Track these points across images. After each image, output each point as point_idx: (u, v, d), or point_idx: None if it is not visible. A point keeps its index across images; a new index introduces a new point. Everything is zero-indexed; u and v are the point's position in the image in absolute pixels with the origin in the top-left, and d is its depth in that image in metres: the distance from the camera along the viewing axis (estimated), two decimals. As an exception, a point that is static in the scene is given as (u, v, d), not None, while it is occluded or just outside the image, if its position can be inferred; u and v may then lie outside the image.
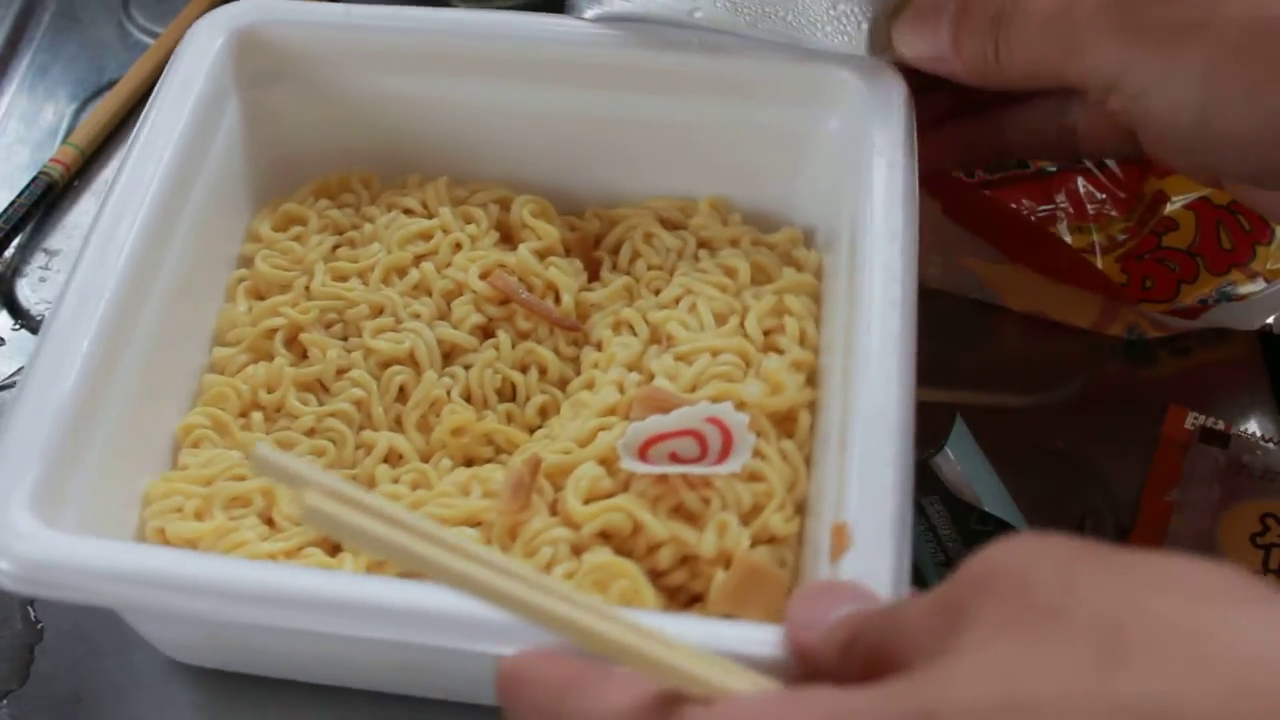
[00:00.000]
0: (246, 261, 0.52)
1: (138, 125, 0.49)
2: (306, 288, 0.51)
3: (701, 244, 0.52)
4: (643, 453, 0.44)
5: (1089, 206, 0.62)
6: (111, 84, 0.67)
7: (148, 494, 0.46)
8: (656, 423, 0.44)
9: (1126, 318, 0.57)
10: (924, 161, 0.47)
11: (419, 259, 0.52)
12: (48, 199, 0.62)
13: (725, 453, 0.44)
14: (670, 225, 0.53)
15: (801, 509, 0.44)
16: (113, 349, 0.44)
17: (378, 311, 0.50)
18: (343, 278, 0.51)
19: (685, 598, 0.43)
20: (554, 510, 0.44)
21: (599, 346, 0.50)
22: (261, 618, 0.38)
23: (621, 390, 0.47)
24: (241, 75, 0.52)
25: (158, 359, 0.47)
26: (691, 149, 0.53)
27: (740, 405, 0.45)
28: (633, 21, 0.51)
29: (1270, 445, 0.53)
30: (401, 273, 0.51)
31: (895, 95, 0.48)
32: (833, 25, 0.49)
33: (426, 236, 0.52)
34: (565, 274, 0.51)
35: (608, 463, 0.44)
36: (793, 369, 0.47)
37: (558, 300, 0.51)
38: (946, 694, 0.26)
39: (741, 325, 0.48)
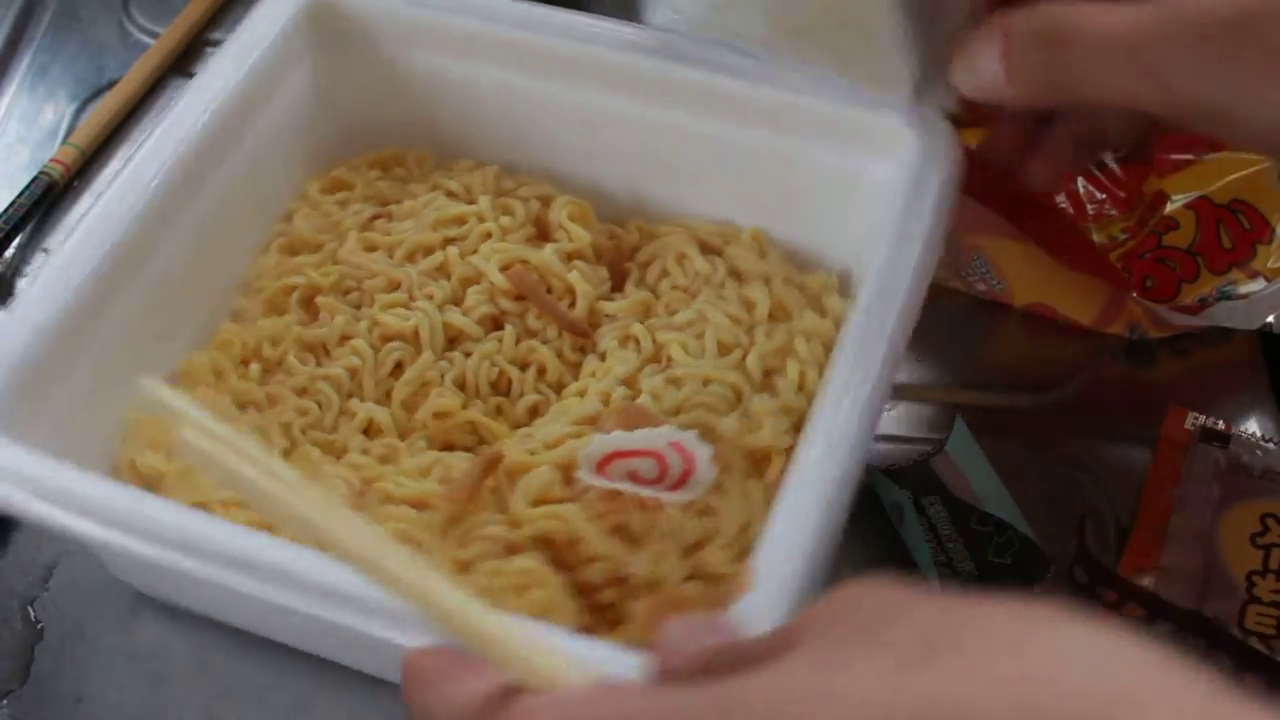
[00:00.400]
0: (289, 218, 0.54)
1: (200, 70, 0.50)
2: (336, 252, 0.52)
3: (732, 273, 0.52)
4: (602, 466, 0.43)
5: (1089, 206, 0.62)
6: (111, 84, 0.67)
7: (130, 425, 0.47)
8: (619, 438, 0.43)
9: (1129, 313, 0.57)
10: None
11: (448, 241, 0.52)
12: (48, 199, 0.62)
13: (684, 480, 0.43)
14: (708, 249, 0.53)
15: (750, 551, 0.43)
16: (120, 278, 0.45)
17: (394, 287, 0.51)
18: (371, 248, 0.52)
19: (613, 618, 0.43)
20: (504, 508, 0.44)
21: (603, 357, 0.50)
22: (172, 563, 0.38)
23: (607, 402, 0.47)
24: (313, 41, 0.53)
25: (175, 296, 0.48)
26: (743, 176, 0.53)
27: (715, 438, 0.45)
28: (699, 37, 0.51)
29: (1270, 445, 0.53)
30: (427, 252, 0.52)
31: (942, 152, 0.48)
32: (887, 72, 0.48)
33: (460, 221, 0.53)
34: (586, 280, 0.51)
35: (568, 470, 0.44)
36: (781, 412, 0.46)
37: (574, 304, 0.51)
38: (748, 690, 0.26)
39: (743, 359, 0.48)
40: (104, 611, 0.48)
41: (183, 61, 0.69)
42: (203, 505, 0.43)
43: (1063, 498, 0.53)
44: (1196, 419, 0.54)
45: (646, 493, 0.42)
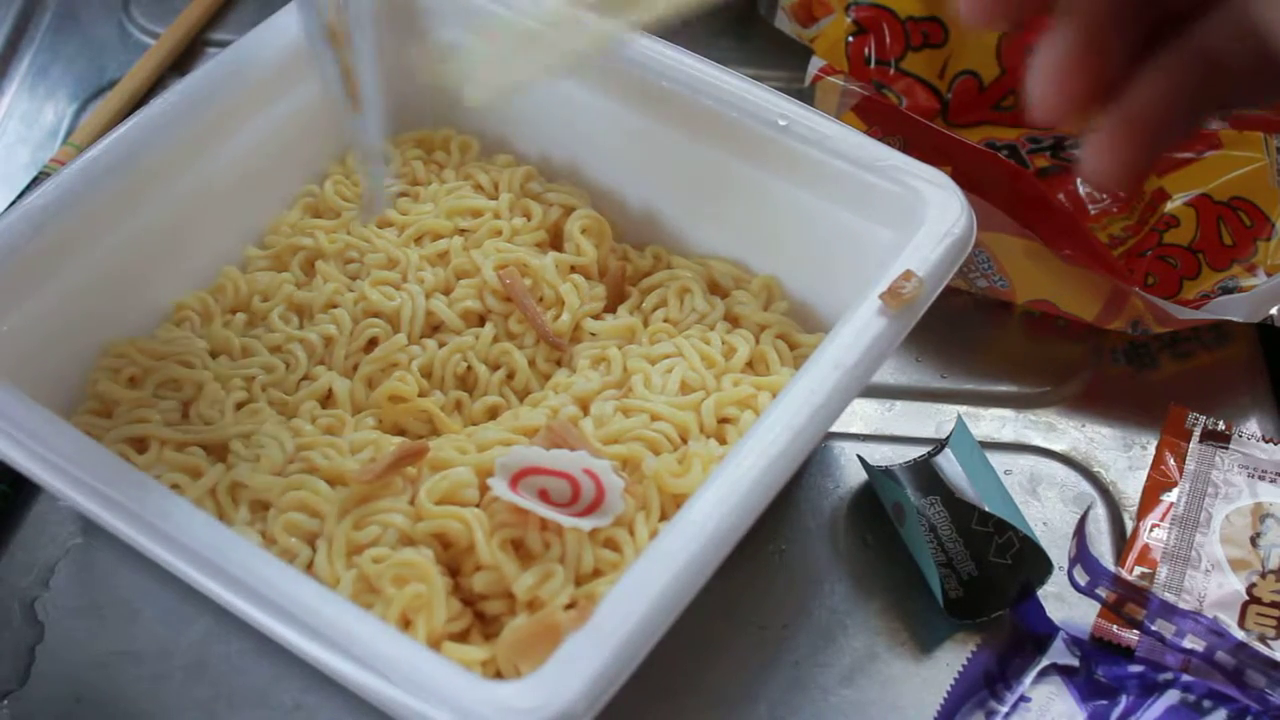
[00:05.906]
0: (324, 180, 0.55)
1: (265, 19, 0.52)
2: (350, 222, 0.53)
3: (730, 318, 0.51)
4: (516, 480, 0.43)
5: (1090, 206, 0.62)
6: (111, 84, 0.67)
7: (104, 349, 0.49)
8: (536, 454, 0.43)
9: (1132, 309, 0.56)
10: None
11: (459, 232, 0.53)
12: (47, 199, 0.62)
13: (595, 508, 0.43)
14: (717, 290, 0.53)
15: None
16: (116, 208, 0.47)
17: (391, 265, 0.52)
18: (385, 224, 0.53)
19: (496, 630, 0.42)
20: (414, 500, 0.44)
21: (573, 372, 0.50)
22: (81, 504, 0.40)
23: (554, 417, 0.47)
24: (377, 13, 0.54)
25: (180, 234, 0.50)
26: (770, 224, 0.52)
27: (638, 474, 0.44)
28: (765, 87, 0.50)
29: (1270, 445, 0.53)
30: (435, 237, 0.53)
31: (948, 228, 0.46)
32: None
33: (476, 214, 0.53)
34: (577, 295, 0.51)
35: (487, 475, 0.44)
36: (716, 462, 0.45)
37: (560, 316, 0.51)
38: None
39: (701, 403, 0.47)
40: (104, 611, 0.48)
41: (183, 61, 0.69)
42: (143, 437, 0.46)
43: (1063, 498, 0.53)
44: (1196, 419, 0.54)
45: (550, 514, 0.42)
